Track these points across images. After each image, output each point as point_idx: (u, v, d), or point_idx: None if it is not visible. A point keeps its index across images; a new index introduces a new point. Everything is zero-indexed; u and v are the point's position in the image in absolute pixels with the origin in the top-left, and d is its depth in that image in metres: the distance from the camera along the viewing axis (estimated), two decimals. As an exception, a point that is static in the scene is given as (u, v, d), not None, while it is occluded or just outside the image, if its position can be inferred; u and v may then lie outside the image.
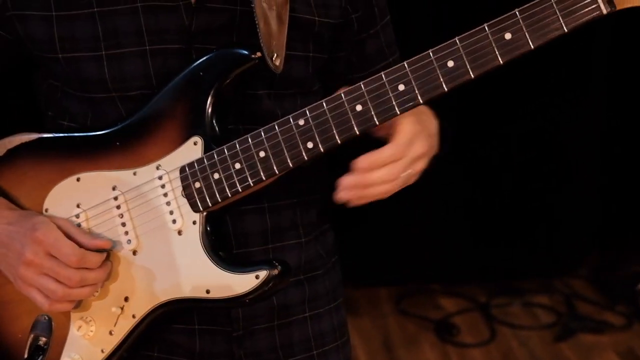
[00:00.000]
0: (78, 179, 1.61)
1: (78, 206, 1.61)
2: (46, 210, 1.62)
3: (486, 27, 1.42)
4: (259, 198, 1.62)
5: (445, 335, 4.17)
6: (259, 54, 1.53)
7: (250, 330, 1.67)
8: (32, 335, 1.59)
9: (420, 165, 1.55)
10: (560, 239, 4.54)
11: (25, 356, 1.58)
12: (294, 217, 1.70)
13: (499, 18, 1.41)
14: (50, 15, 1.57)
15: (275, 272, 1.53)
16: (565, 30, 1.39)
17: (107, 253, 1.58)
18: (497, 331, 4.20)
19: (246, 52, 1.55)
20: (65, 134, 1.64)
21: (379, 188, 1.52)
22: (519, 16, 1.40)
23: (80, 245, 1.55)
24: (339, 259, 1.83)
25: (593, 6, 1.38)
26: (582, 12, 1.38)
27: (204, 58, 1.56)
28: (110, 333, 1.59)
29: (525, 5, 1.40)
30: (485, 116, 4.26)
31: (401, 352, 4.08)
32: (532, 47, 1.40)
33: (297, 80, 1.63)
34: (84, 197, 1.60)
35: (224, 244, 1.59)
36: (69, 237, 1.55)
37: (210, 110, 1.55)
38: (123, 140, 1.59)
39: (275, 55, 1.54)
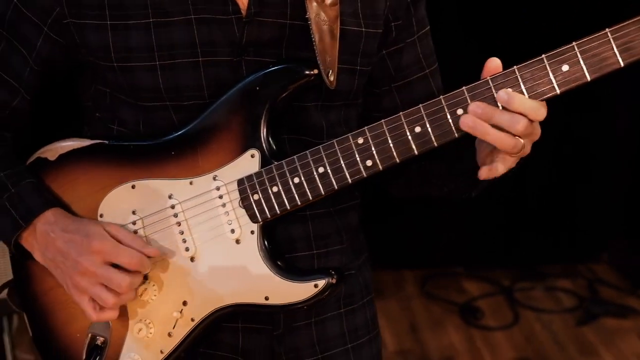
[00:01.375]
0: (133, 186, 1.63)
1: (134, 213, 1.64)
2: (101, 216, 1.65)
3: (544, 58, 1.44)
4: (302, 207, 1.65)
5: (469, 318, 4.20)
6: (316, 70, 1.57)
7: (290, 328, 1.71)
8: (90, 335, 1.64)
9: (529, 147, 1.52)
10: (583, 224, 4.56)
11: (84, 355, 1.64)
12: (335, 224, 1.73)
13: (557, 50, 1.44)
14: (105, 24, 1.59)
15: (333, 280, 1.59)
16: (622, 65, 1.42)
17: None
18: (521, 315, 4.23)
19: (304, 69, 1.58)
20: (120, 143, 1.66)
21: (500, 137, 1.46)
22: (577, 50, 1.43)
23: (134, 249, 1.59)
24: (368, 256, 1.86)
25: None
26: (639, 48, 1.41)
27: (261, 73, 1.59)
28: (169, 335, 1.63)
29: (583, 39, 1.43)
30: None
31: (426, 334, 4.11)
32: (588, 79, 1.43)
33: (344, 92, 1.66)
34: (139, 204, 1.63)
35: (278, 250, 1.63)
36: (121, 242, 1.59)
37: (266, 124, 1.58)
38: (178, 149, 1.62)
39: (330, 71, 1.57)
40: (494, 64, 1.48)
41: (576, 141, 4.47)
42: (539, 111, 1.47)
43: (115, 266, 1.58)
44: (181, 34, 1.59)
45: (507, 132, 1.47)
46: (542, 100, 1.46)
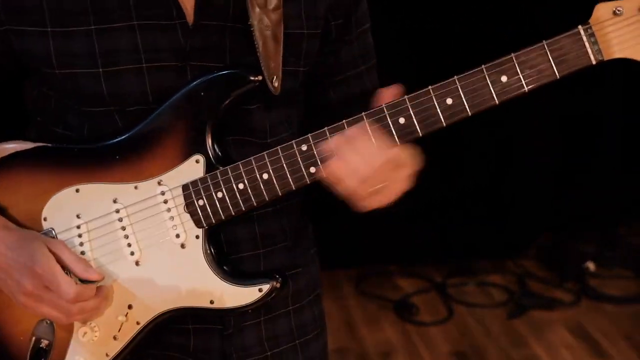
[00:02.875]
0: (77, 190, 1.62)
1: (78, 217, 1.62)
2: (45, 219, 1.63)
3: (484, 69, 1.47)
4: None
5: (404, 315, 4.25)
6: (259, 77, 1.57)
7: (240, 328, 1.72)
8: (34, 338, 1.62)
9: (383, 199, 1.57)
10: (511, 221, 4.63)
11: (28, 358, 1.62)
12: (280, 223, 1.74)
13: (496, 61, 1.47)
14: (46, 31, 1.56)
15: (277, 285, 1.60)
16: (558, 77, 1.46)
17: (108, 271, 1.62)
18: (454, 310, 4.29)
19: (247, 75, 1.57)
20: (64, 146, 1.64)
21: (354, 168, 1.50)
22: (515, 60, 1.46)
23: (74, 274, 1.57)
24: (317, 250, 1.88)
25: (584, 56, 1.45)
26: (574, 60, 1.45)
27: (206, 78, 1.58)
28: (115, 338, 1.63)
29: (521, 51, 1.46)
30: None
31: (363, 331, 4.15)
32: (526, 90, 1.47)
33: (287, 93, 1.64)
34: (83, 208, 1.62)
35: (223, 254, 1.64)
36: (64, 266, 1.57)
37: (210, 129, 1.58)
38: (123, 154, 1.60)
39: (275, 77, 1.57)
40: (390, 92, 1.52)
41: (503, 138, 4.54)
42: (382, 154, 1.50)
43: None
44: (124, 40, 1.57)
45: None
46: (478, 112, 1.50)
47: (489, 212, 4.62)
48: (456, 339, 4.08)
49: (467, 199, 4.59)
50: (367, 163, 1.50)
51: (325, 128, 1.54)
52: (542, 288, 4.46)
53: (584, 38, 1.44)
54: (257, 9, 1.56)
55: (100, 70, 1.57)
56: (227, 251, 1.66)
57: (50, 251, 1.57)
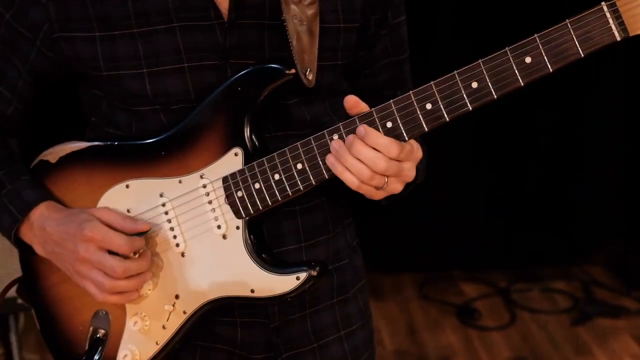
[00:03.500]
0: (127, 186, 1.69)
1: (128, 211, 1.68)
2: None
3: (508, 51, 1.47)
4: (292, 201, 1.68)
5: (467, 319, 4.24)
6: (293, 70, 1.60)
7: (285, 321, 1.76)
8: (92, 328, 1.71)
9: (398, 186, 1.59)
10: (578, 227, 4.59)
11: (87, 346, 1.71)
12: (324, 215, 1.77)
13: (520, 42, 1.46)
14: (93, 36, 1.64)
15: (314, 273, 1.62)
16: (582, 55, 1.44)
17: (155, 253, 1.68)
18: (517, 315, 4.26)
19: (281, 69, 1.61)
20: (114, 143, 1.71)
21: (358, 166, 1.53)
22: (538, 41, 1.45)
23: (124, 232, 1.63)
24: (359, 242, 1.90)
25: (608, 33, 1.43)
26: (598, 38, 1.43)
27: (241, 73, 1.62)
28: (164, 327, 1.69)
29: (544, 31, 1.45)
30: (507, 105, 4.31)
31: (425, 335, 4.14)
32: (550, 70, 1.46)
33: (327, 86, 1.69)
34: (133, 203, 1.69)
35: (264, 244, 1.67)
36: (112, 226, 1.64)
37: (248, 123, 1.62)
38: (168, 149, 1.66)
39: (309, 70, 1.60)
40: (352, 100, 1.54)
41: (571, 143, 4.50)
42: (391, 148, 1.52)
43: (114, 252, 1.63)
44: (166, 42, 1.63)
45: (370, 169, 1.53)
46: (508, 93, 1.50)
47: (556, 217, 4.58)
48: (518, 344, 4.05)
49: (533, 204, 4.56)
50: (364, 167, 1.53)
51: (355, 117, 1.56)
52: (608, 295, 4.41)
53: (608, 14, 1.43)
54: (292, 5, 1.60)
55: (145, 71, 1.64)
56: (271, 245, 1.69)
57: (96, 217, 1.65)
